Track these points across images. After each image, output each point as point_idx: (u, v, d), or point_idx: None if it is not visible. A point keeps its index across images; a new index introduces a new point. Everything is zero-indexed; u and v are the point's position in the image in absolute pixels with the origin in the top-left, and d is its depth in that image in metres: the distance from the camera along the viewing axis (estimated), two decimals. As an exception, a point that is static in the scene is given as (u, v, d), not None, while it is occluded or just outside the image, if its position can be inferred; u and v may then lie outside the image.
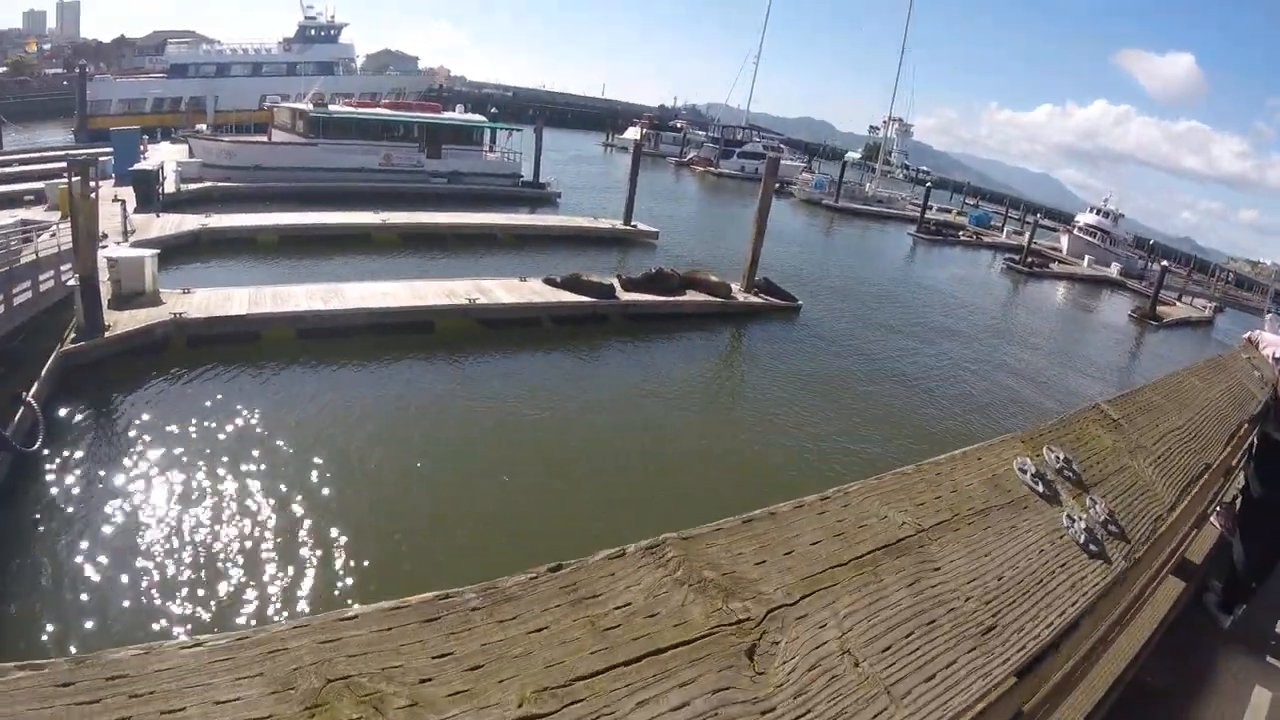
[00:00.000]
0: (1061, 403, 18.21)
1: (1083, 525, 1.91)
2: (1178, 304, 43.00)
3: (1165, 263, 43.28)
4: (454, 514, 9.39)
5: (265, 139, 32.68)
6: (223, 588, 7.73)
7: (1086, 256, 50.49)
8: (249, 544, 8.41)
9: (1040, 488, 1.97)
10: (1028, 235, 46.72)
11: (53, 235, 14.38)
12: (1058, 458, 2.14)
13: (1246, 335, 5.42)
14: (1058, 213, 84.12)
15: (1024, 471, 2.00)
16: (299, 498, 9.32)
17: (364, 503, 9.41)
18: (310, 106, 32.79)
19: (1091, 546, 1.87)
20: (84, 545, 8.12)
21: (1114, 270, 48.39)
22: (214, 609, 7.44)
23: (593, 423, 12.70)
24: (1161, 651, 2.82)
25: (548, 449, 11.40)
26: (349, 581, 8.02)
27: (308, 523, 8.84)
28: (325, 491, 9.55)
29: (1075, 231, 53.88)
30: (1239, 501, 3.83)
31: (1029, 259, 43.85)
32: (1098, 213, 54.37)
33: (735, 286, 20.93)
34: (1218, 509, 3.80)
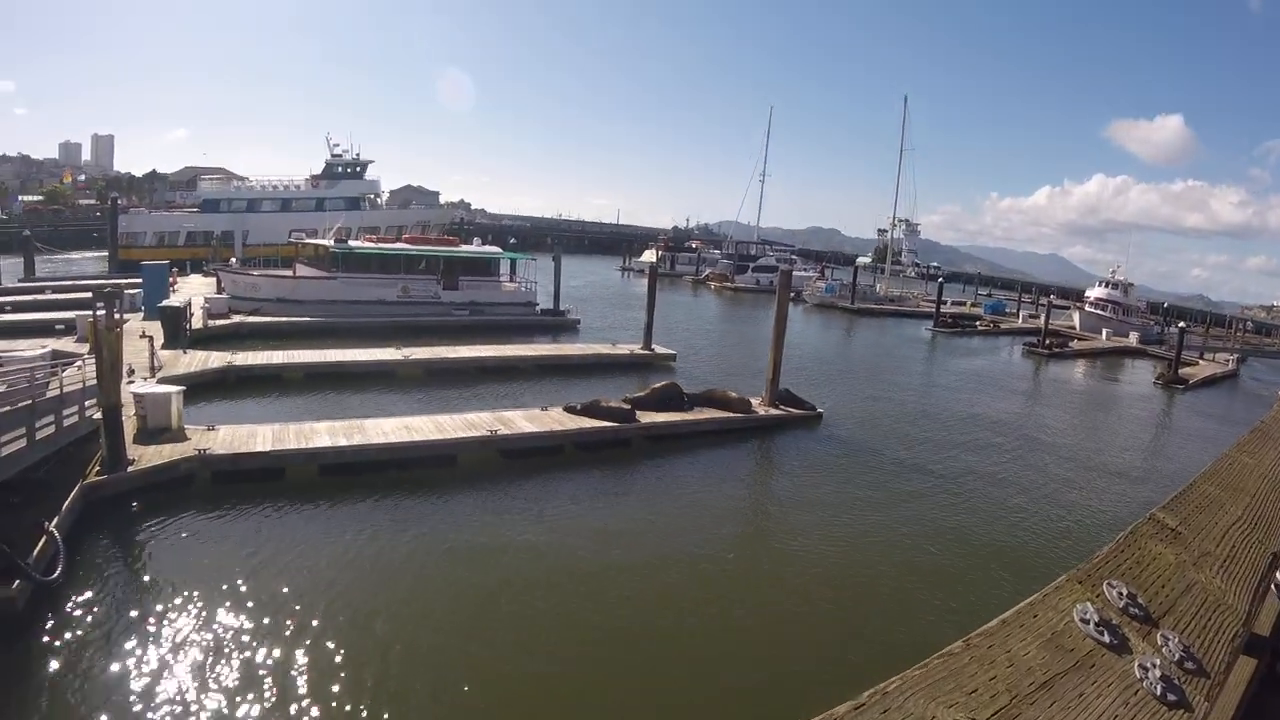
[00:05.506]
0: (1110, 502, 17.71)
1: (1158, 674, 1.76)
2: (1200, 362, 42.97)
3: (1182, 324, 43.63)
4: (475, 675, 8.92)
5: (290, 272, 33.87)
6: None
7: (1103, 330, 50.45)
8: (267, 701, 8.02)
9: (1106, 637, 1.81)
10: (1043, 317, 46.95)
11: (79, 369, 14.39)
12: (1120, 594, 2.00)
13: None
14: (1070, 290, 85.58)
15: (1086, 621, 1.84)
16: (320, 649, 8.98)
17: (380, 654, 9.02)
18: (332, 242, 34.45)
19: (1170, 696, 1.69)
20: (96, 683, 8.00)
21: (1133, 339, 48.29)
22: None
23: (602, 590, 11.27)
24: None
25: (564, 605, 10.65)
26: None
27: (326, 677, 8.47)
28: (345, 642, 9.16)
29: (1087, 307, 53.82)
30: None
31: (1047, 340, 44.01)
32: (1107, 285, 54.44)
33: (756, 401, 21.15)
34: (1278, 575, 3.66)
